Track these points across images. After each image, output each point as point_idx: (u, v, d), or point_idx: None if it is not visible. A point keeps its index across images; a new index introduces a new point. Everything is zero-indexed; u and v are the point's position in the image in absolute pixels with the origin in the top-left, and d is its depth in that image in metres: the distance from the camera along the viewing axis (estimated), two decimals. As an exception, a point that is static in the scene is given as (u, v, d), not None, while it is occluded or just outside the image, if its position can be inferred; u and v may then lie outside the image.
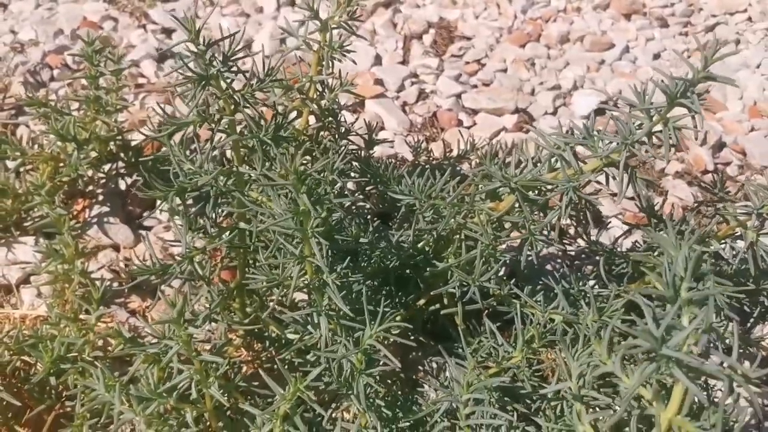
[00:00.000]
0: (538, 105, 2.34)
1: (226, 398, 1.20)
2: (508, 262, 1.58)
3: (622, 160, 1.11)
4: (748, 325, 1.56)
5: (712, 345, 0.82)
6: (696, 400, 0.97)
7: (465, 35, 2.66)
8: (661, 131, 1.11)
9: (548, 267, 1.72)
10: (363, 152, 1.67)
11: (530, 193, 1.23)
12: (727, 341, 1.38)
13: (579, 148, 1.19)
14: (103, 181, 1.89)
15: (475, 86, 2.42)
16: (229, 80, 1.23)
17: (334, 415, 1.31)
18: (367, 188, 1.67)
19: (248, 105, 1.24)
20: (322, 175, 1.20)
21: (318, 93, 1.53)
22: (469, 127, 2.25)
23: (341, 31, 1.45)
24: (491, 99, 2.30)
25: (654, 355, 0.79)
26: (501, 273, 1.49)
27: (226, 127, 1.28)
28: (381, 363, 1.17)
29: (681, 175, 2.10)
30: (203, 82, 1.20)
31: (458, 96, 2.34)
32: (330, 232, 1.16)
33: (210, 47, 1.18)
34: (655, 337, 0.78)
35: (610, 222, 1.94)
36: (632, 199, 1.99)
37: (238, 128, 1.30)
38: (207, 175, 1.28)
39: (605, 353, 0.92)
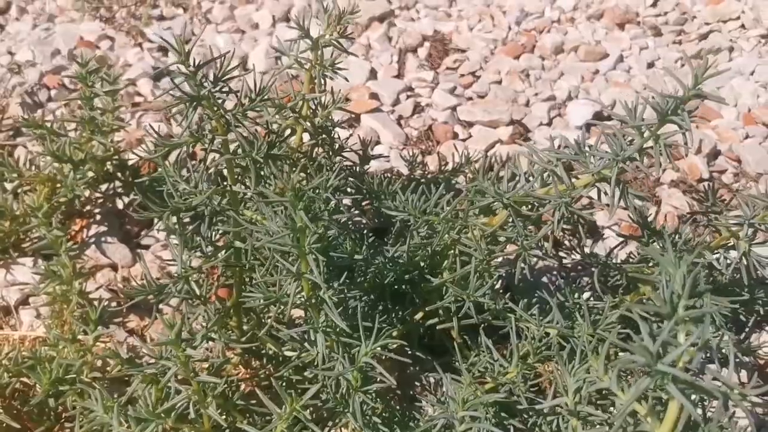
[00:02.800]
0: (533, 116, 2.35)
1: (224, 417, 1.20)
2: (503, 275, 1.59)
3: (614, 176, 1.12)
4: (743, 334, 1.56)
5: (708, 359, 0.82)
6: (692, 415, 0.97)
7: (459, 47, 2.68)
8: (652, 147, 1.11)
9: (544, 279, 1.72)
10: (358, 168, 1.68)
11: (523, 208, 1.24)
12: (723, 350, 1.39)
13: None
14: (101, 201, 1.90)
15: (470, 98, 2.43)
16: (220, 100, 1.24)
17: (332, 432, 1.31)
18: (363, 204, 1.68)
19: (240, 125, 1.25)
20: (317, 192, 1.21)
21: (311, 111, 1.54)
22: (464, 140, 2.26)
23: (334, 48, 1.46)
24: (486, 111, 2.32)
25: (649, 370, 0.80)
26: (496, 286, 1.50)
27: (219, 146, 1.29)
28: (377, 380, 1.17)
29: (676, 183, 2.11)
30: (194, 103, 1.21)
31: (453, 108, 2.36)
32: (326, 249, 1.17)
33: (201, 68, 1.19)
34: (650, 352, 0.78)
35: (604, 233, 1.95)
36: (627, 209, 2.00)
37: (232, 147, 1.31)
38: (201, 195, 1.29)
39: (602, 369, 0.93)
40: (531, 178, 1.25)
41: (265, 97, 1.29)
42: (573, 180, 1.20)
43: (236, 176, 1.36)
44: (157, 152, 1.31)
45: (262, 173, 1.38)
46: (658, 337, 0.79)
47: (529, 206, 1.24)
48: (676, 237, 1.33)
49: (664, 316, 0.84)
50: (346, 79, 1.55)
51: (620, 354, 1.27)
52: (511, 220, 1.25)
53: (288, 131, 1.54)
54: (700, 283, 0.87)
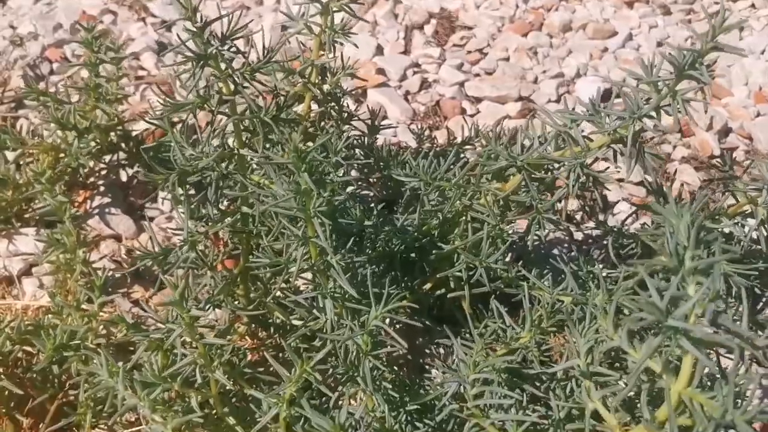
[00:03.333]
0: (542, 93, 2.32)
1: (231, 384, 1.18)
2: (514, 246, 1.57)
3: (630, 134, 1.10)
4: (759, 307, 1.54)
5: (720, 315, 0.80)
6: (706, 373, 0.95)
7: (466, 25, 2.64)
8: (669, 105, 1.09)
9: (555, 251, 1.70)
10: (366, 139, 1.65)
11: (537, 172, 1.21)
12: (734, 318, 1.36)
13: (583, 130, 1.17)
14: (104, 172, 1.88)
15: (478, 75, 2.40)
16: (228, 60, 1.21)
17: (339, 402, 1.29)
18: (371, 177, 1.65)
19: (248, 84, 1.22)
20: (324, 157, 1.18)
21: (320, 78, 1.51)
22: (472, 116, 2.23)
23: (343, 15, 1.43)
24: (495, 87, 2.29)
25: (660, 326, 0.77)
26: (507, 258, 1.48)
27: (227, 109, 1.26)
28: (387, 345, 1.15)
29: (687, 160, 2.08)
30: (201, 62, 1.18)
31: (461, 84, 2.33)
32: (333, 214, 1.14)
33: (208, 26, 1.16)
34: (659, 308, 0.76)
35: (615, 208, 1.93)
36: (639, 184, 1.98)
37: (239, 110, 1.28)
38: (208, 158, 1.26)
39: (611, 328, 0.90)
40: (544, 142, 1.23)
41: (273, 58, 1.26)
42: (587, 142, 1.17)
43: (244, 140, 1.34)
44: (164, 114, 1.28)
45: (270, 138, 1.36)
46: (666, 291, 0.77)
47: (544, 169, 1.22)
48: (692, 204, 1.30)
49: (671, 270, 0.81)
50: (356, 46, 1.52)
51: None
52: (524, 184, 1.23)
53: (296, 100, 1.52)
54: (706, 232, 0.84)
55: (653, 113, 1.09)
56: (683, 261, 0.76)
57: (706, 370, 0.86)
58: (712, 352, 1.09)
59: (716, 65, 1.05)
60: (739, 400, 0.76)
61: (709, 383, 0.92)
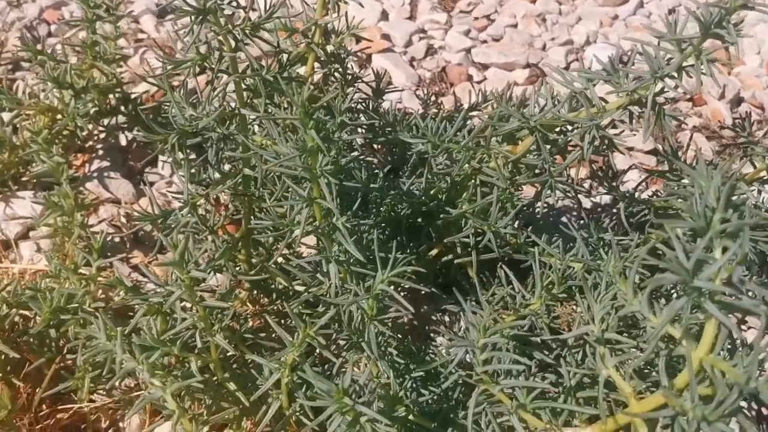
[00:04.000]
0: (550, 60, 2.27)
1: (231, 349, 1.15)
2: (522, 213, 1.53)
3: (650, 95, 1.05)
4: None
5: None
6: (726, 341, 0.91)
7: (474, -9, 2.58)
8: (692, 65, 1.04)
9: (563, 219, 1.66)
10: (371, 102, 1.61)
11: (550, 134, 1.17)
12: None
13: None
14: (103, 135, 1.84)
15: (485, 41, 2.35)
16: (228, 15, 1.17)
17: (343, 369, 1.26)
18: (375, 143, 1.61)
19: (249, 41, 1.18)
20: (330, 117, 1.14)
21: (323, 38, 1.46)
22: (479, 82, 2.18)
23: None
24: (502, 53, 2.23)
25: (685, 288, 0.74)
26: (516, 224, 1.44)
27: (227, 67, 1.22)
28: (393, 310, 1.12)
29: (699, 129, 2.04)
30: (200, 16, 1.13)
31: (468, 51, 2.27)
32: (339, 175, 1.10)
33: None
34: (686, 268, 0.72)
35: (625, 177, 1.88)
36: (649, 152, 1.93)
37: (241, 68, 1.23)
38: (208, 117, 1.22)
39: (631, 292, 0.87)
40: (557, 103, 1.18)
41: (276, 13, 1.22)
42: (604, 103, 1.13)
43: (245, 100, 1.30)
44: (164, 72, 1.24)
45: (272, 99, 1.32)
46: (693, 252, 0.73)
47: (557, 131, 1.17)
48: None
49: (698, 231, 0.78)
50: (361, 5, 1.47)
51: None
52: (536, 147, 1.19)
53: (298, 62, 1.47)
54: (735, 196, 0.80)
55: (675, 74, 1.05)
56: (711, 223, 0.73)
57: (728, 336, 0.83)
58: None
59: (743, 24, 1.00)
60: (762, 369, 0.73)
61: (726, 353, 0.89)
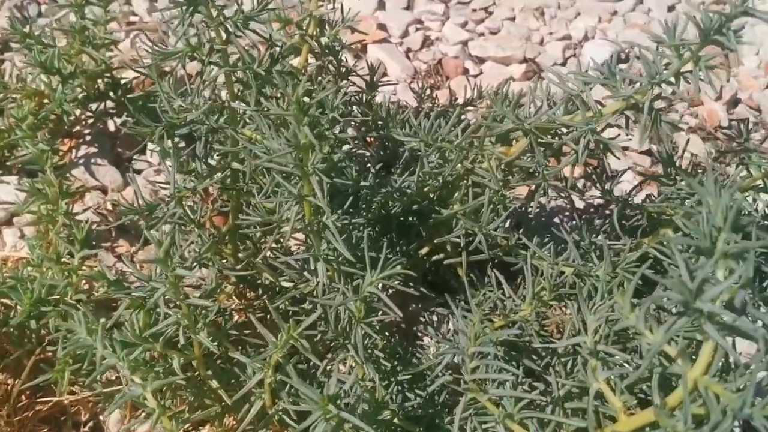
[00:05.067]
0: (548, 55, 2.24)
1: (215, 346, 1.13)
2: (514, 213, 1.51)
3: (647, 101, 1.03)
4: (765, 285, 1.49)
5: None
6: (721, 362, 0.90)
7: (472, -18, 2.55)
8: (690, 72, 1.02)
9: (555, 220, 1.64)
10: (364, 96, 1.58)
11: (544, 136, 1.15)
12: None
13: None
14: (91, 121, 1.80)
15: (482, 34, 2.32)
16: (219, 7, 1.14)
17: (329, 367, 1.24)
18: (368, 136, 1.59)
19: (241, 33, 1.15)
20: (322, 113, 1.11)
21: (318, 30, 1.43)
22: (475, 76, 2.16)
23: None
24: (500, 47, 2.21)
25: (686, 308, 0.72)
26: (507, 225, 1.42)
27: (218, 59, 1.19)
28: (381, 312, 1.10)
29: (694, 130, 2.02)
30: (191, 8, 1.10)
31: (464, 43, 2.24)
32: (330, 172, 1.08)
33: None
34: (689, 288, 0.70)
35: (620, 179, 1.87)
36: (643, 153, 1.92)
37: (232, 60, 1.21)
38: (197, 110, 1.20)
39: (628, 306, 0.85)
40: (553, 105, 1.16)
41: (269, 4, 1.19)
42: (600, 107, 1.11)
43: (236, 93, 1.27)
44: (152, 62, 1.21)
45: (263, 92, 1.29)
46: (697, 273, 0.71)
47: (552, 134, 1.15)
48: (704, 176, 1.24)
49: (704, 251, 0.76)
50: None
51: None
52: (530, 149, 1.16)
53: (291, 56, 1.44)
54: (742, 216, 0.79)
55: (672, 79, 1.03)
56: (716, 243, 0.71)
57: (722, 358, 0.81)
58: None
59: (743, 31, 0.98)
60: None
61: (721, 373, 0.88)
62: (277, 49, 1.28)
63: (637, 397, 0.98)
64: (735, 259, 0.73)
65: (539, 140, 1.13)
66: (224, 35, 1.16)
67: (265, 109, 1.13)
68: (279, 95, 1.32)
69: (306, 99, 1.09)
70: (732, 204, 0.76)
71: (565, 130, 1.15)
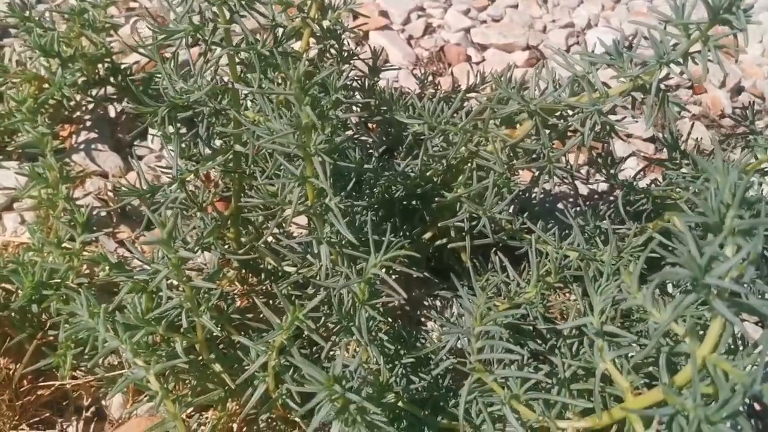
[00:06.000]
0: (550, 43, 2.23)
1: (218, 330, 1.12)
2: (518, 198, 1.50)
3: (655, 81, 1.02)
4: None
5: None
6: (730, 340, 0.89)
7: (474, -31, 2.53)
8: (699, 51, 1.01)
9: (559, 205, 1.63)
10: (367, 80, 1.57)
11: (550, 118, 1.14)
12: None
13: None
14: (92, 106, 1.79)
15: (485, 22, 2.31)
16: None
17: (332, 352, 1.24)
18: (370, 122, 1.57)
19: (245, 12, 1.14)
20: (325, 94, 1.10)
21: (319, 13, 1.42)
22: (477, 63, 2.15)
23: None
24: (502, 34, 2.19)
25: (695, 285, 0.71)
26: (511, 209, 1.41)
27: (221, 39, 1.18)
28: (384, 294, 1.09)
29: (698, 117, 2.01)
30: (196, -14, 1.09)
31: (467, 30, 2.23)
32: (333, 154, 1.07)
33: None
34: (698, 264, 0.69)
35: (624, 165, 1.86)
36: (647, 140, 1.91)
37: (235, 41, 1.19)
38: (200, 91, 1.18)
39: (635, 285, 0.84)
40: (559, 87, 1.15)
41: (273, -15, 1.17)
42: (606, 88, 1.10)
43: (239, 74, 1.26)
44: (155, 42, 1.20)
45: (266, 74, 1.28)
46: (706, 248, 0.71)
47: (557, 116, 1.14)
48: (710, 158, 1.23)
49: (712, 228, 0.75)
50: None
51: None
52: (535, 131, 1.15)
53: (293, 38, 1.43)
54: (749, 193, 0.78)
55: (680, 59, 1.02)
56: (724, 220, 0.70)
57: (731, 334, 0.81)
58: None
59: (752, 10, 0.97)
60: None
61: (728, 355, 0.87)
62: (281, 30, 1.27)
63: (642, 377, 0.97)
64: (743, 235, 0.72)
65: (544, 122, 1.11)
66: (228, 15, 1.14)
67: (267, 89, 1.12)
68: (281, 80, 1.31)
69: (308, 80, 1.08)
70: (740, 181, 0.75)
71: (570, 112, 1.13)
